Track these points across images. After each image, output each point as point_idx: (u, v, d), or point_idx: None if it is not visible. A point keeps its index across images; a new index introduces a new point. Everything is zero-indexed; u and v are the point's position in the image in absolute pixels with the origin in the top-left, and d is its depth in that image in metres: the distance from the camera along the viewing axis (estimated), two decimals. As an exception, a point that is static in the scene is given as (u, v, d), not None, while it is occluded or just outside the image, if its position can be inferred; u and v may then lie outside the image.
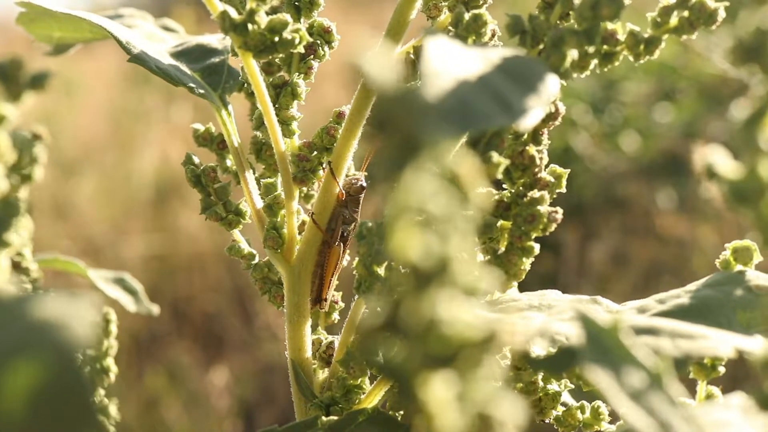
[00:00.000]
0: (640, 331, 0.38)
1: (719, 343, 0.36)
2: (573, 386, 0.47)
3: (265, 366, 1.86)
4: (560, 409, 0.47)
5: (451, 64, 0.30)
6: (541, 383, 0.46)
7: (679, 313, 0.41)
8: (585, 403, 0.48)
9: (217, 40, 0.55)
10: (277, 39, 0.43)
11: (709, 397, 0.45)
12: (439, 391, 0.21)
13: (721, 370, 0.45)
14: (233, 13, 0.42)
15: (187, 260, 2.13)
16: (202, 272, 2.11)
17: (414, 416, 0.22)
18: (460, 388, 0.22)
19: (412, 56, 0.46)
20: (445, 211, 0.21)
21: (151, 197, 2.36)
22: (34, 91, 0.28)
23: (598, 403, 0.47)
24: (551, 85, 0.33)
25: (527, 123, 0.30)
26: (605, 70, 0.41)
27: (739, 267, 0.45)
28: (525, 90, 0.32)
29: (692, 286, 0.43)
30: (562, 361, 0.35)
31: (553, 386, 0.46)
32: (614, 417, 0.47)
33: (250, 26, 0.42)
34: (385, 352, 0.22)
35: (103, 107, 2.94)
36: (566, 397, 0.48)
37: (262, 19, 0.43)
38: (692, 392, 0.44)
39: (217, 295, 2.05)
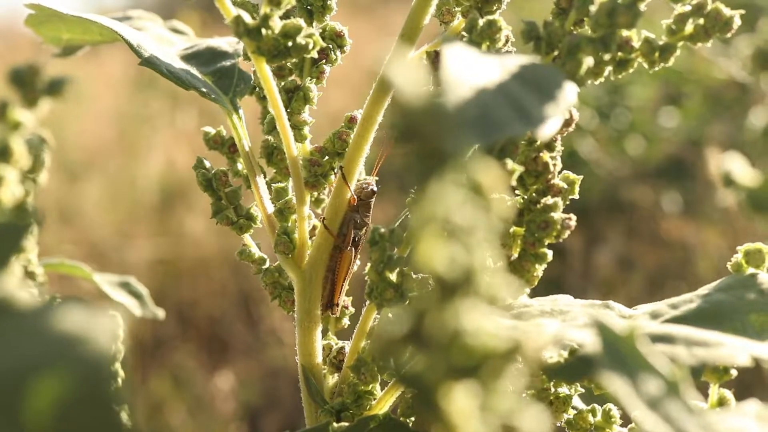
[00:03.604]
0: (656, 338, 0.37)
1: (736, 351, 0.36)
2: (583, 390, 0.47)
3: (270, 370, 1.86)
4: (571, 412, 0.47)
5: (470, 72, 0.30)
6: (551, 387, 0.46)
7: (692, 318, 0.40)
8: (596, 406, 0.47)
9: (227, 43, 0.54)
10: (290, 44, 0.42)
11: (721, 400, 0.45)
12: (462, 402, 0.21)
13: (734, 373, 0.45)
14: (247, 18, 0.42)
15: (192, 265, 2.13)
16: (207, 277, 2.11)
17: (433, 426, 0.22)
18: (484, 398, 0.21)
19: (424, 61, 0.46)
20: (470, 221, 0.20)
21: (156, 202, 2.36)
22: (51, 97, 0.27)
23: (610, 406, 0.47)
24: (569, 92, 0.33)
25: (547, 131, 0.30)
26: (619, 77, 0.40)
27: (750, 270, 0.44)
28: (543, 98, 0.31)
29: (704, 290, 0.43)
30: (579, 369, 0.35)
31: (564, 389, 0.46)
32: (626, 420, 0.47)
33: (264, 31, 0.42)
34: (405, 362, 0.22)
35: (108, 112, 2.94)
36: (576, 402, 0.48)
37: (276, 24, 0.42)
38: (702, 393, 0.44)
39: (222, 300, 2.05)
